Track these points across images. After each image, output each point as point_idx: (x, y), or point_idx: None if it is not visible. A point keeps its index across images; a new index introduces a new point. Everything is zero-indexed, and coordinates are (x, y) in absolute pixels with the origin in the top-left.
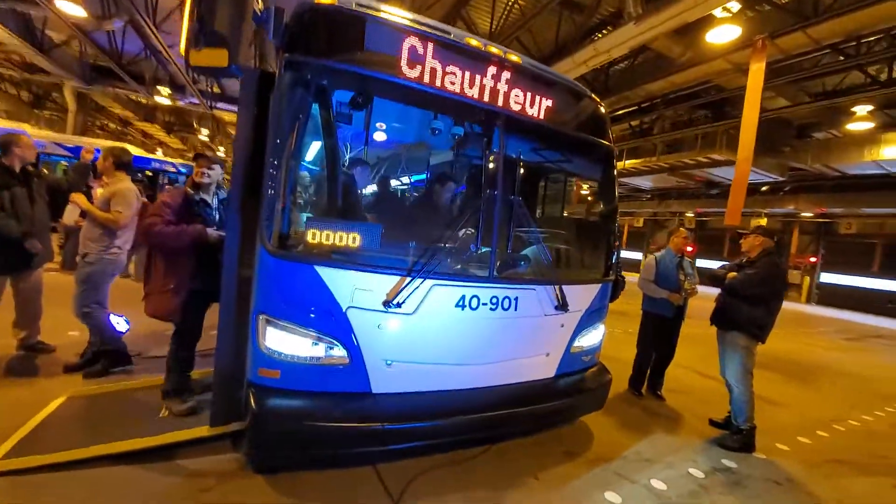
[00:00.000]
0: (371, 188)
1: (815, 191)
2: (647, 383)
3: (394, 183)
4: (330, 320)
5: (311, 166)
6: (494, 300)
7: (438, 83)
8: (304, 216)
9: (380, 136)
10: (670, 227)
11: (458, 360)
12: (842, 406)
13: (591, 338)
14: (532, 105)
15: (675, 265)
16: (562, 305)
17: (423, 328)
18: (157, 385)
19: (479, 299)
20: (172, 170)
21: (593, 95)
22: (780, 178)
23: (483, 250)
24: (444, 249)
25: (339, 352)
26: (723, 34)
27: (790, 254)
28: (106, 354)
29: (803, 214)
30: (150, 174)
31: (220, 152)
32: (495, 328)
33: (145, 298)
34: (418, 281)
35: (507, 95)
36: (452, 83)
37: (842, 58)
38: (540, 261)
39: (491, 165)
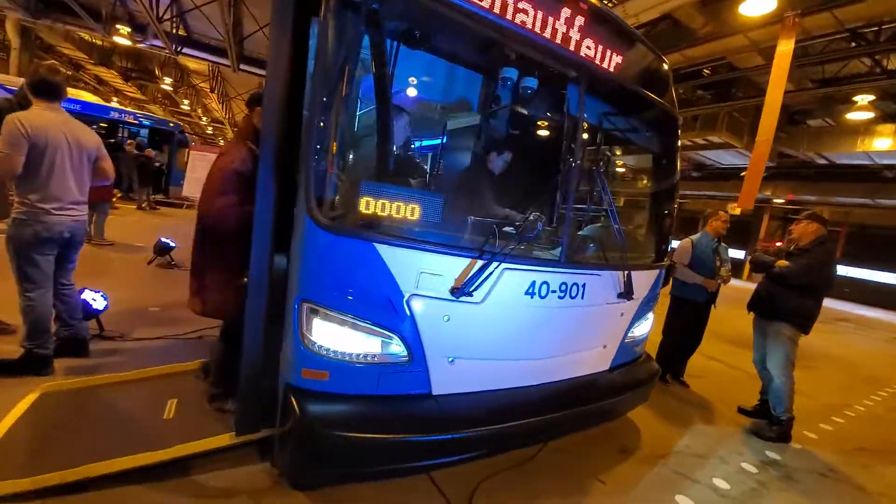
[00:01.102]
0: (439, 151)
1: (793, 178)
2: (671, 370)
3: (463, 145)
4: (389, 310)
5: (370, 117)
6: (563, 287)
7: (518, 20)
8: (362, 180)
9: (447, 87)
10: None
11: (521, 356)
12: (842, 391)
13: (644, 327)
14: (612, 60)
15: (713, 250)
16: (626, 293)
17: (489, 319)
18: (151, 378)
19: (548, 286)
20: (133, 122)
21: (664, 57)
22: (770, 164)
23: (556, 229)
24: (517, 228)
25: (398, 347)
26: (757, 6)
27: (757, 238)
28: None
29: (775, 200)
30: (107, 125)
31: (185, 105)
32: (561, 319)
33: (197, 295)
34: (492, 265)
35: (590, 45)
36: (533, 22)
37: (853, 44)
38: (608, 243)
39: (568, 130)
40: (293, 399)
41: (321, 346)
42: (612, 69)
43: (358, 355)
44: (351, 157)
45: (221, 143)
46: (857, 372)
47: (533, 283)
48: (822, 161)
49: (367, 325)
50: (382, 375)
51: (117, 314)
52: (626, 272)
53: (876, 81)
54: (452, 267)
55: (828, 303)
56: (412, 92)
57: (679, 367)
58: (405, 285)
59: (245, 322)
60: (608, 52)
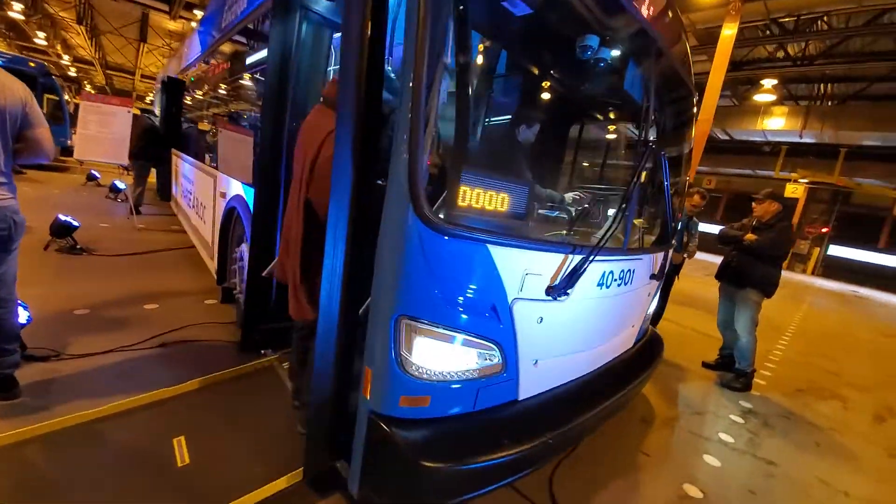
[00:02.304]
0: (534, 136)
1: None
2: None
3: (551, 129)
4: (493, 318)
5: (484, 93)
6: (622, 274)
7: None
8: (476, 170)
9: (539, 65)
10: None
11: (585, 347)
12: (760, 340)
13: (655, 302)
14: (671, 34)
15: (683, 225)
16: (658, 274)
17: (569, 316)
18: (133, 411)
19: (613, 275)
20: None
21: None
22: None
23: (625, 217)
24: (600, 217)
25: (496, 357)
26: None
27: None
28: None
29: None
30: None
31: (40, 40)
32: (616, 305)
33: (300, 293)
34: (578, 258)
35: (657, 14)
36: None
37: (767, 32)
38: (648, 227)
39: (642, 110)
40: (394, 434)
41: (424, 369)
42: (671, 45)
43: (460, 372)
44: (465, 141)
45: (89, 88)
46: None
47: (603, 274)
48: (725, 137)
49: (472, 338)
50: (481, 390)
51: (33, 322)
52: (659, 255)
53: (781, 68)
54: (550, 265)
55: (716, 259)
56: (526, 68)
57: None
58: (511, 289)
59: (317, 345)
60: (670, 26)
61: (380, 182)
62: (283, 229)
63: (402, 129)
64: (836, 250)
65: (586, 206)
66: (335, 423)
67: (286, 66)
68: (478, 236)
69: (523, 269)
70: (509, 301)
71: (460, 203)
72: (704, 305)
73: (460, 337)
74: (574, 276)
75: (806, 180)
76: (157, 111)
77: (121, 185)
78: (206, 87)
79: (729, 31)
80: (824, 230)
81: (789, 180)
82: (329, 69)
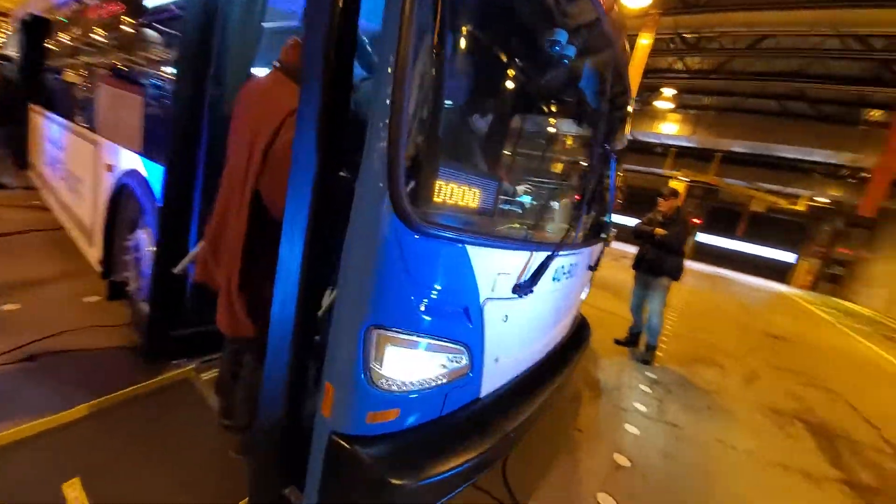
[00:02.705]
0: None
1: None
2: None
3: (527, 126)
4: (465, 320)
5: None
6: (571, 267)
7: None
8: (455, 163)
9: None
10: None
11: (537, 339)
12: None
13: (587, 290)
14: (622, 30)
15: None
16: (593, 266)
17: (528, 311)
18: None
19: (564, 268)
20: None
21: None
22: None
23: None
24: (561, 213)
25: (465, 359)
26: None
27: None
28: None
29: None
30: None
31: None
32: (563, 296)
33: (237, 306)
34: (542, 255)
35: (613, 11)
36: None
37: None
38: (590, 218)
39: (593, 100)
40: (358, 453)
41: (395, 381)
42: (623, 43)
43: (431, 379)
44: (448, 133)
45: None
46: None
47: (560, 268)
48: (629, 137)
49: (445, 342)
50: (449, 394)
51: None
52: (597, 246)
53: (680, 78)
54: (517, 262)
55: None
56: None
57: None
58: (484, 290)
59: (267, 362)
60: (621, 23)
61: (343, 174)
62: (212, 225)
63: (380, 115)
64: (704, 238)
65: (551, 202)
66: (285, 446)
67: (211, 16)
68: (457, 237)
69: (496, 270)
70: (481, 302)
71: (439, 200)
72: (612, 288)
73: (433, 343)
74: (540, 272)
75: (687, 179)
76: (13, 56)
77: None
78: (86, 31)
79: (646, 41)
80: (697, 221)
81: (674, 178)
82: (265, 23)
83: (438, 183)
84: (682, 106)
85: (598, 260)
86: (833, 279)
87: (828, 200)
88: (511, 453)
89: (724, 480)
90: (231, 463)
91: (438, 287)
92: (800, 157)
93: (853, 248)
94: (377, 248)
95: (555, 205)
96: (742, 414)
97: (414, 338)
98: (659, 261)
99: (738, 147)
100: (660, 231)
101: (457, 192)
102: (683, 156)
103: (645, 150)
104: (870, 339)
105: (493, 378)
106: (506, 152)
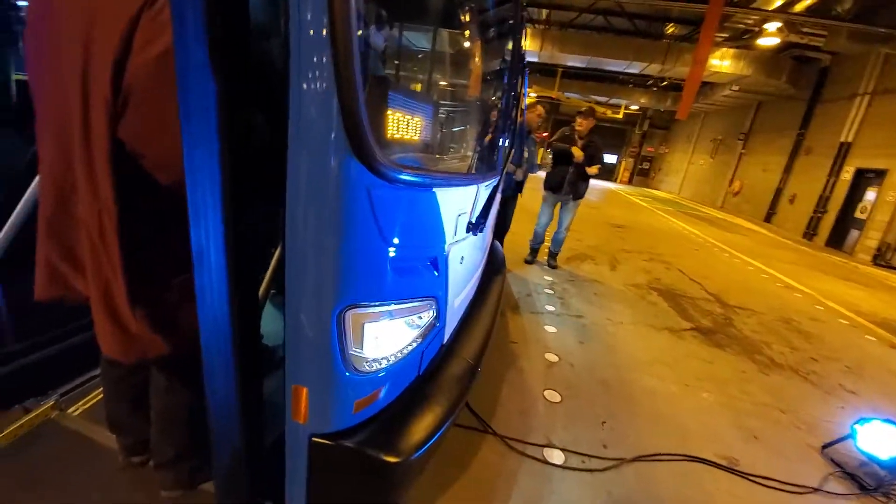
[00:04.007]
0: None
1: None
2: None
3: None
4: (431, 272)
5: None
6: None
7: None
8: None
9: None
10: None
11: (474, 271)
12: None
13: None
14: None
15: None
16: (505, 189)
17: (471, 245)
18: None
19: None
20: None
21: None
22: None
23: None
24: (496, 143)
25: (432, 311)
26: None
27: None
28: None
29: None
30: None
31: None
32: (491, 225)
33: (133, 319)
34: (484, 189)
35: None
36: None
37: None
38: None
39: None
40: (349, 448)
41: (377, 360)
42: None
43: (410, 343)
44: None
45: None
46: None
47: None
48: None
49: (418, 303)
50: (425, 352)
51: None
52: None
53: None
54: (470, 199)
55: None
56: None
57: None
58: (448, 235)
59: (206, 381)
60: None
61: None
62: (48, 213)
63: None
64: None
65: (480, 129)
66: (248, 466)
67: None
68: (426, 178)
69: (457, 210)
70: (446, 249)
71: (396, 136)
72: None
73: (409, 306)
74: (490, 204)
75: (536, 95)
76: None
77: None
78: None
79: None
80: (545, 134)
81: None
82: None
83: (393, 114)
84: (530, 20)
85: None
86: (643, 173)
87: (637, 107)
88: None
89: (623, 348)
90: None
91: (411, 242)
92: (621, 69)
93: (655, 146)
94: (340, 209)
95: (484, 132)
96: (617, 294)
97: (391, 307)
98: (577, 185)
99: (577, 62)
100: (577, 151)
101: (407, 125)
102: (531, 72)
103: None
104: (674, 217)
105: (451, 321)
106: (437, 76)
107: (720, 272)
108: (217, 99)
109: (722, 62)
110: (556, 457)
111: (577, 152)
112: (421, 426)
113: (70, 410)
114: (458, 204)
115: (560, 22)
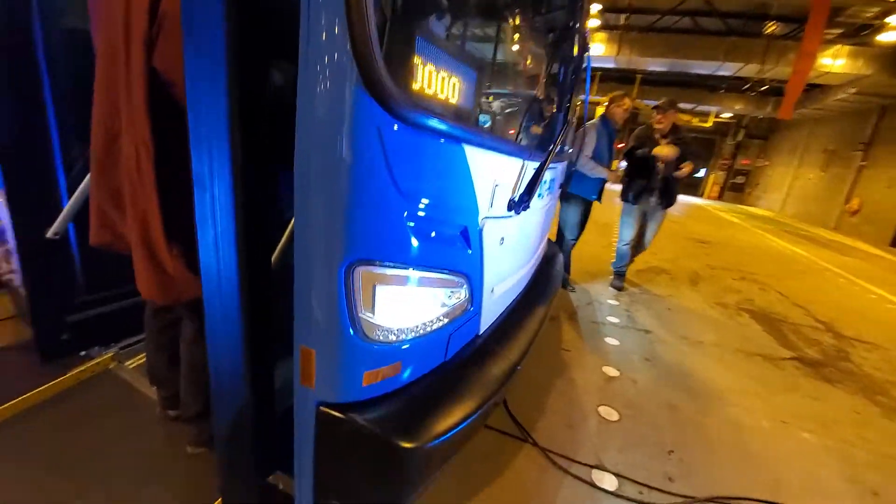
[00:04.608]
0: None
1: None
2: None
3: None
4: (462, 245)
5: None
6: (551, 182)
7: None
8: (426, 38)
9: None
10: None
11: (524, 263)
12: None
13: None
14: None
15: (611, 140)
16: (564, 183)
17: (517, 231)
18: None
19: (545, 184)
20: None
21: None
22: None
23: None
24: (543, 118)
25: (463, 293)
26: None
27: None
28: None
29: None
30: None
31: None
32: (542, 215)
33: (165, 256)
34: (532, 165)
35: None
36: None
37: None
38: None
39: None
40: (359, 423)
41: (391, 329)
42: None
43: (433, 321)
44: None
45: None
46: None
47: (543, 182)
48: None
49: (444, 276)
50: (453, 335)
51: None
52: (566, 164)
53: None
54: (512, 173)
55: None
56: None
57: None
58: (483, 206)
59: (208, 335)
60: None
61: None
62: (98, 148)
63: None
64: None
65: (533, 109)
66: (256, 430)
67: None
68: (453, 130)
69: (493, 179)
70: (480, 221)
71: (418, 83)
72: None
73: (432, 277)
74: (534, 185)
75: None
76: None
77: None
78: None
79: None
80: (620, 146)
81: (599, 104)
82: None
83: (421, 61)
84: (606, 26)
85: (568, 177)
86: (736, 188)
87: (731, 115)
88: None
89: (701, 371)
90: (189, 460)
91: (434, 202)
92: (710, 73)
93: (751, 158)
94: (348, 150)
95: (536, 112)
96: (697, 311)
97: (409, 272)
98: (670, 191)
99: (659, 65)
100: (665, 150)
101: (438, 77)
102: (607, 79)
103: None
104: (774, 235)
105: (490, 311)
106: (480, 30)
107: (832, 298)
108: (225, 23)
109: (835, 61)
110: (608, 481)
111: (666, 150)
112: (441, 415)
113: (128, 363)
114: (494, 172)
115: (639, 27)
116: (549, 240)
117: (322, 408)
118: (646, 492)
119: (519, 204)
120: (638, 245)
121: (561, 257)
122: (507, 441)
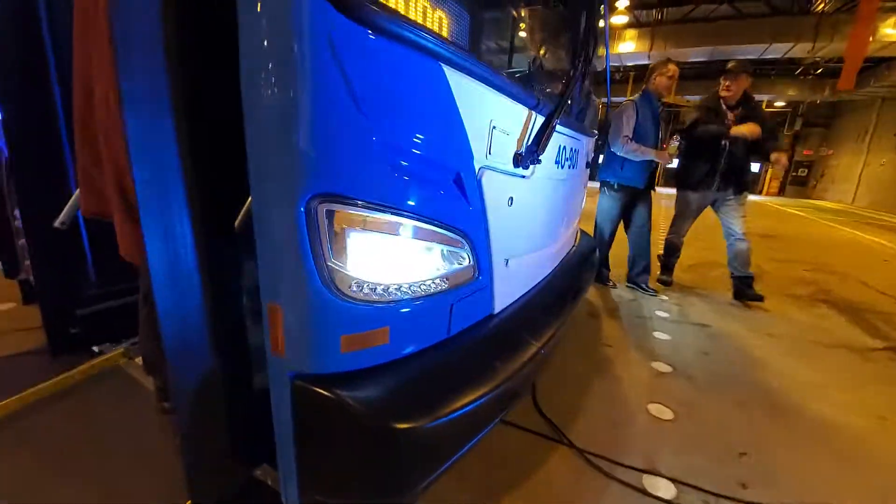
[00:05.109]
0: None
1: None
2: (627, 278)
3: None
4: (459, 196)
5: None
6: (571, 153)
7: None
8: None
9: None
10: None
11: (549, 240)
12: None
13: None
14: None
15: (657, 114)
16: (591, 161)
17: (534, 197)
18: None
19: (566, 152)
20: None
21: None
22: None
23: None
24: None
25: (465, 257)
26: None
27: None
28: None
29: None
30: None
31: None
32: (567, 190)
33: (135, 212)
34: (541, 120)
35: None
36: None
37: None
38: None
39: None
40: (341, 398)
41: (370, 284)
42: None
43: (426, 283)
44: None
45: None
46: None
47: (560, 149)
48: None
49: (436, 228)
50: (455, 306)
51: None
52: (594, 138)
53: None
54: (516, 121)
55: None
56: None
57: (640, 274)
58: (478, 149)
59: (155, 289)
60: None
61: None
62: (80, 106)
63: None
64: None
65: (543, 60)
66: (227, 414)
67: None
68: (428, 43)
69: (489, 119)
70: (476, 169)
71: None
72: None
73: (419, 226)
74: (544, 136)
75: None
76: None
77: None
78: None
79: None
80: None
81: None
82: None
83: None
84: (636, 23)
85: (595, 158)
86: (798, 181)
87: (784, 103)
88: (539, 378)
89: (773, 364)
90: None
91: (408, 130)
92: (755, 57)
93: (813, 148)
94: (294, 58)
95: (546, 56)
96: (765, 304)
97: (387, 216)
98: (743, 172)
99: (698, 55)
100: (748, 129)
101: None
102: (639, 80)
103: (602, 82)
104: (849, 226)
105: (506, 288)
106: None
107: None
108: None
109: None
110: (663, 488)
111: (747, 128)
112: (443, 396)
113: (138, 360)
114: (489, 111)
115: (672, 21)
116: (582, 230)
117: (297, 381)
118: (713, 500)
119: (526, 158)
120: (730, 244)
121: (597, 250)
122: (537, 442)
